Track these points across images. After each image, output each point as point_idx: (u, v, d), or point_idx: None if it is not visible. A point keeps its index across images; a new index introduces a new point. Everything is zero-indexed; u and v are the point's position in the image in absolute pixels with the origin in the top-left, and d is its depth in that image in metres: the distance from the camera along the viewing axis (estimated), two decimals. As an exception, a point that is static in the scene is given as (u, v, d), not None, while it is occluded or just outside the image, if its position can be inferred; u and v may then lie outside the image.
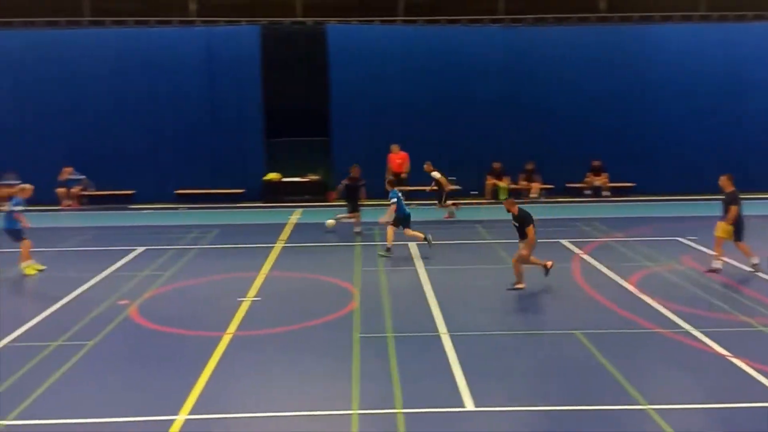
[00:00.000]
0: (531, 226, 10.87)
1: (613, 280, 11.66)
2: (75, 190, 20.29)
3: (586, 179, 21.12)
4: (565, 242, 14.50)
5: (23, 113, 20.34)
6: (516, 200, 11.97)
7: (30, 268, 12.40)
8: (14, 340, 8.94)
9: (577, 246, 14.20)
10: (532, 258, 11.10)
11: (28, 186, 13.14)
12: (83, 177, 20.28)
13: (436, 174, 17.70)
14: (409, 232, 13.89)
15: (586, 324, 9.37)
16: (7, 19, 20.37)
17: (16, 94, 20.31)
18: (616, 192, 21.00)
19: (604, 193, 20.94)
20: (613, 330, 9.21)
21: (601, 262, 12.76)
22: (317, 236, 15.81)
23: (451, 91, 20.96)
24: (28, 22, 20.50)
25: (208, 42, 20.74)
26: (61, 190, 20.11)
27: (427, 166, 17.94)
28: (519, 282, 11.02)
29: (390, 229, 13.79)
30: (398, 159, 19.38)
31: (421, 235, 13.73)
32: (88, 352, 8.54)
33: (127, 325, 9.61)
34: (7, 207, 12.87)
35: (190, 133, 20.83)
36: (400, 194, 14.07)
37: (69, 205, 20.17)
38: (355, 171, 16.17)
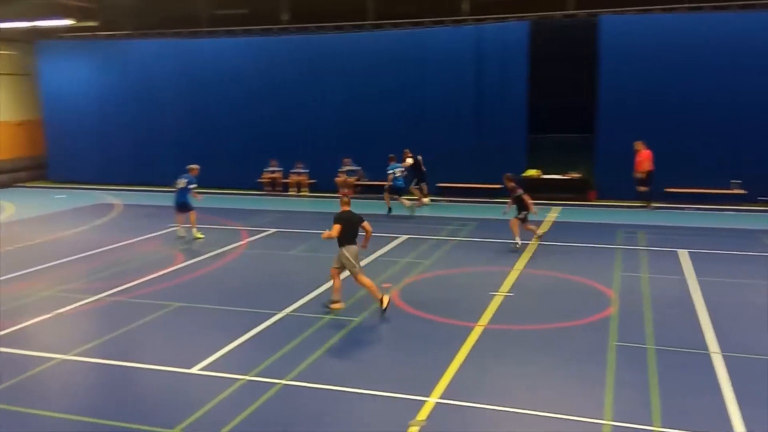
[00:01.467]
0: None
1: None
2: (351, 179, 22.25)
3: None
4: None
5: (306, 107, 22.78)
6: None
7: (198, 233, 15.28)
8: (295, 311, 10.14)
9: None
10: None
11: (195, 166, 15.86)
12: (359, 168, 22.17)
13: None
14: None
15: None
16: (303, 24, 22.99)
17: (304, 90, 22.79)
18: None
19: None
20: None
21: None
22: (575, 236, 15.35)
23: (743, 88, 18.59)
24: (320, 27, 22.91)
25: (477, 39, 21.16)
26: (339, 179, 22.22)
27: None
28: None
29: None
30: (640, 157, 18.71)
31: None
32: (354, 327, 9.37)
33: (389, 307, 10.32)
34: (183, 184, 15.39)
35: (455, 129, 21.54)
36: None
37: (345, 194, 22.15)
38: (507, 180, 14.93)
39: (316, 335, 9.03)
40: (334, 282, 10.13)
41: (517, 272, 12.21)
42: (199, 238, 15.25)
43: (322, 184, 22.56)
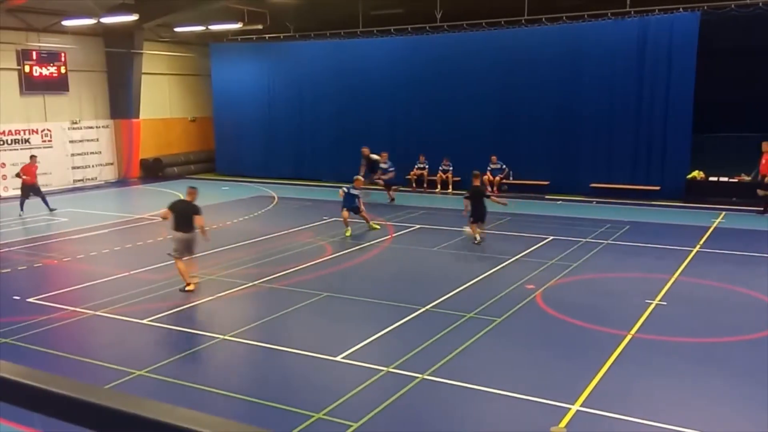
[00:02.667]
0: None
1: None
2: (497, 178, 22.00)
3: None
4: None
5: (456, 104, 22.79)
6: None
7: (375, 225, 16.18)
8: (436, 307, 10.23)
9: None
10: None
11: (360, 178, 17.22)
12: (505, 166, 21.89)
13: None
14: None
15: None
16: (455, 23, 23.02)
17: (454, 87, 22.83)
18: None
19: None
20: None
21: None
22: (742, 243, 14.12)
23: None
24: (473, 25, 22.83)
25: (641, 32, 20.08)
26: (485, 177, 22.04)
27: None
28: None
29: None
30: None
31: None
32: (495, 327, 9.28)
33: (532, 309, 10.11)
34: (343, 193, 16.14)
35: (611, 126, 20.61)
36: None
37: (489, 192, 21.97)
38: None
39: (457, 332, 9.05)
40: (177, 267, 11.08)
41: (674, 280, 11.46)
42: (375, 228, 16.10)
43: (468, 182, 22.46)
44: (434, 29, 23.37)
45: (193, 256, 11.45)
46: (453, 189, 22.56)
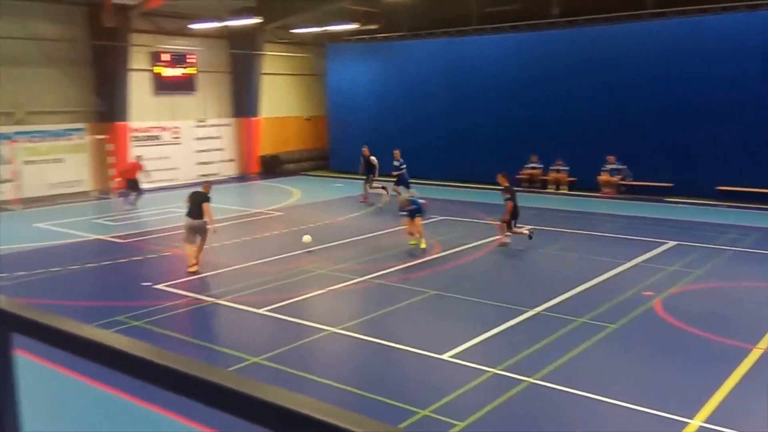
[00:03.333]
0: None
1: None
2: (615, 178, 21.14)
3: None
4: None
5: (570, 102, 22.07)
6: None
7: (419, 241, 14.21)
8: (547, 309, 9.98)
9: None
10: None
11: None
12: (624, 167, 20.99)
13: None
14: None
15: None
16: (572, 18, 22.32)
17: (568, 84, 22.15)
18: None
19: None
20: None
21: None
22: None
23: None
24: (590, 20, 22.05)
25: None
26: (602, 178, 21.26)
27: None
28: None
29: None
30: None
31: None
32: (609, 334, 8.93)
33: (650, 316, 9.64)
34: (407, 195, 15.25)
35: (740, 126, 19.26)
36: None
37: (607, 193, 21.18)
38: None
39: (569, 337, 8.79)
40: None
41: (812, 293, 10.55)
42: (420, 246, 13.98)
43: (582, 183, 21.79)
44: (550, 25, 22.79)
45: (204, 242, 12.41)
46: (568, 189, 21.91)
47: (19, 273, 12.28)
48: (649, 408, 6.72)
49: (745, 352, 8.13)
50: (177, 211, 18.85)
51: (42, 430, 5.95)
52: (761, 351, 8.21)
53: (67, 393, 7.33)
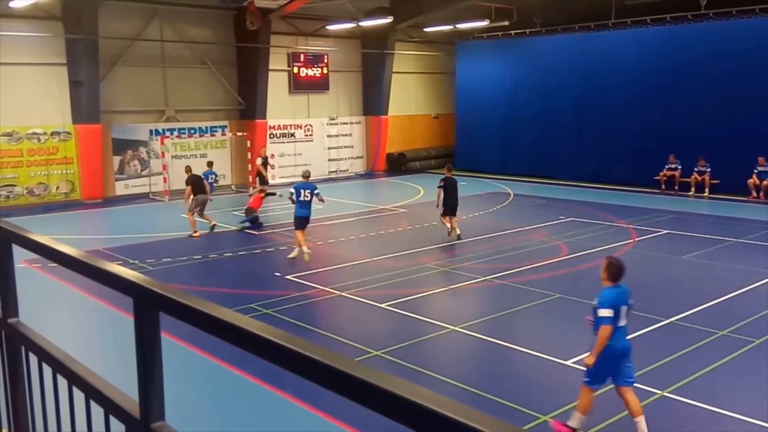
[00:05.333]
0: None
1: None
2: (764, 182, 19.53)
3: None
4: None
5: (715, 98, 20.57)
6: None
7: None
8: (682, 320, 9.41)
9: None
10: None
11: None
12: (775, 169, 19.35)
13: None
14: None
15: None
16: (722, 9, 20.80)
17: (714, 80, 20.66)
18: None
19: None
20: None
21: None
22: None
23: None
24: (743, 11, 20.46)
25: None
26: (751, 181, 19.71)
27: None
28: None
29: None
30: None
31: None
32: (753, 349, 8.28)
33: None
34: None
35: None
36: None
37: (754, 197, 19.60)
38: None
39: (706, 350, 8.25)
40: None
41: None
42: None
43: (727, 185, 20.27)
44: (697, 17, 21.37)
45: (204, 212, 15.56)
46: (710, 192, 20.49)
47: (165, 259, 13.31)
48: (795, 433, 6.18)
49: None
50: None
51: (177, 401, 6.42)
52: None
53: (199, 370, 7.86)
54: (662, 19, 22.21)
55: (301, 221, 12.87)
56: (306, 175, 13.32)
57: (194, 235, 15.24)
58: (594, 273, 12.12)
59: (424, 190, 22.88)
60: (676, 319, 9.39)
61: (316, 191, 12.88)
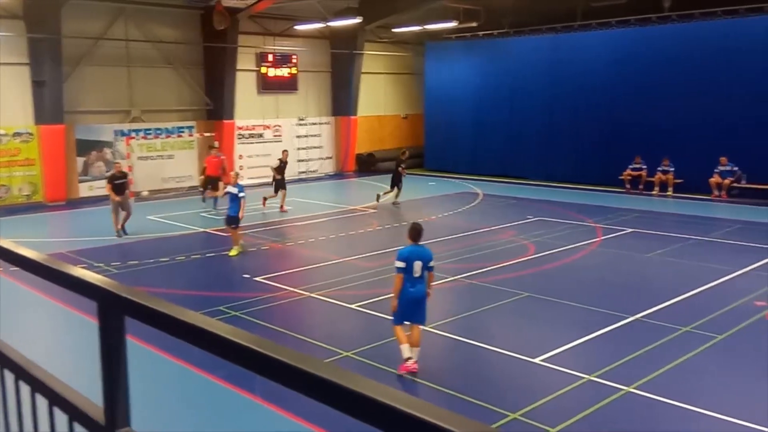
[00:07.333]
0: None
1: None
2: (727, 181, 19.99)
3: None
4: None
5: (678, 100, 21.00)
6: None
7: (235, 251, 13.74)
8: (647, 317, 9.58)
9: None
10: None
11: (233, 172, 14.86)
12: (737, 168, 19.81)
13: None
14: None
15: None
16: (686, 12, 21.23)
17: (676, 81, 21.08)
18: None
19: None
20: None
21: None
22: None
23: None
24: (707, 13, 20.94)
25: None
26: (713, 180, 20.15)
27: None
28: None
29: None
30: None
31: None
32: (715, 345, 8.47)
33: (761, 327, 9.07)
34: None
35: None
36: None
37: (717, 196, 20.05)
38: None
39: (670, 346, 8.42)
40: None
41: None
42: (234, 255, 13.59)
43: (691, 184, 20.71)
44: (661, 20, 21.78)
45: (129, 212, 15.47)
46: (674, 191, 20.90)
47: (131, 262, 13.11)
48: (753, 424, 6.34)
49: None
50: (275, 205, 19.50)
51: (144, 406, 6.33)
52: None
53: (167, 374, 7.76)
54: (627, 21, 22.59)
55: (230, 220, 13.71)
56: (235, 178, 14.06)
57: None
58: (562, 271, 12.31)
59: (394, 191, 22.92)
60: (642, 316, 9.56)
61: (241, 194, 13.63)
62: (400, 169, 19.89)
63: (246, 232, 16.10)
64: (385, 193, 19.85)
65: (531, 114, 25.06)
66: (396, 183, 19.82)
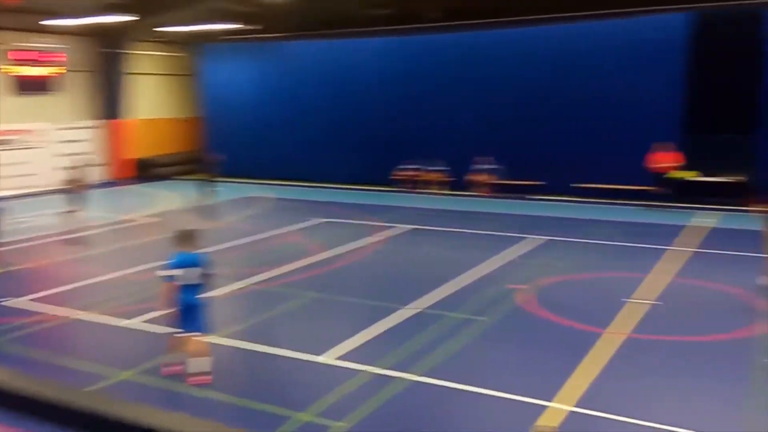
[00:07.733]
0: None
1: None
2: (484, 177, 21.94)
3: None
4: None
5: (447, 106, 22.85)
6: None
7: None
8: (424, 307, 10.30)
9: None
10: None
11: None
12: (493, 166, 21.91)
13: None
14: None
15: None
16: (453, 22, 23.09)
17: (444, 88, 22.91)
18: None
19: None
20: None
21: None
22: (724, 242, 14.33)
23: None
24: (471, 25, 22.94)
25: (632, 32, 20.26)
26: (471, 177, 22.08)
27: None
28: None
29: None
30: None
31: None
32: (483, 328, 9.38)
33: (516, 309, 10.22)
34: None
35: (597, 126, 20.70)
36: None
37: (480, 192, 22.02)
38: None
39: (444, 332, 9.15)
40: None
41: (654, 279, 11.61)
42: None
43: (463, 183, 22.54)
44: (425, 30, 23.47)
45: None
46: (450, 189, 22.45)
47: None
48: (516, 395, 7.17)
49: (597, 336, 8.87)
50: (31, 220, 17.67)
51: None
52: (611, 334, 8.95)
53: None
54: (397, 29, 24.01)
55: None
56: None
57: None
58: (348, 270, 12.76)
59: (177, 197, 22.01)
60: (417, 307, 10.24)
61: None
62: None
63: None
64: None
65: (313, 117, 25.51)
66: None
